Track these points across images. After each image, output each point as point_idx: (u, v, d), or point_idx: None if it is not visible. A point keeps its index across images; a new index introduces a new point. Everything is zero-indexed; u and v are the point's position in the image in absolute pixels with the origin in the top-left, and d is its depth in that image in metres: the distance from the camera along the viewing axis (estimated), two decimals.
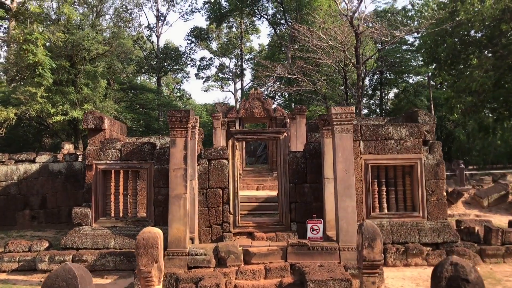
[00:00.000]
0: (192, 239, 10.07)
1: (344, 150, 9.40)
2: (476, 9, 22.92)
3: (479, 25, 23.86)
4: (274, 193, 14.94)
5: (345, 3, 27.07)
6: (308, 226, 9.84)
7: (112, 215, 11.34)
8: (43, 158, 14.56)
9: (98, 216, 11.22)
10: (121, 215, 11.35)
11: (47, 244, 11.18)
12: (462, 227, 11.60)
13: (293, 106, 34.19)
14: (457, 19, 24.30)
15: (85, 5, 29.10)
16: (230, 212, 11.28)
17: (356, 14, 26.39)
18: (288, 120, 20.03)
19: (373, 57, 30.49)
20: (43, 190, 14.38)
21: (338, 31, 25.32)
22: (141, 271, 6.73)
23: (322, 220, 10.12)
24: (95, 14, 30.32)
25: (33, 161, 14.57)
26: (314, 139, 12.28)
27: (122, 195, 11.39)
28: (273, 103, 28.88)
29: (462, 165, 17.29)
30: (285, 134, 11.51)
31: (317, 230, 9.80)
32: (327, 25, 27.10)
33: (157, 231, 6.91)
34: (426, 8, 30.75)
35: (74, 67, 25.41)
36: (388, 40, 25.20)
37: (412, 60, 39.63)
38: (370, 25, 26.43)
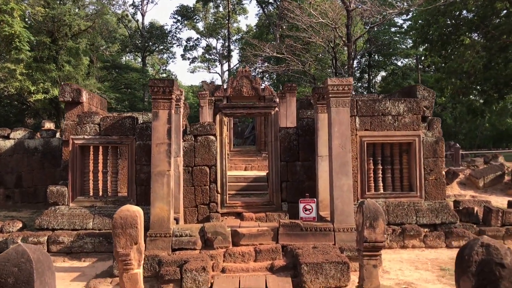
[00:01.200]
0: (176, 220, 9.40)
1: (341, 124, 8.75)
2: None
3: (473, 2, 23.31)
4: (263, 173, 14.33)
5: None
6: (301, 205, 9.23)
7: (91, 194, 10.59)
8: (18, 134, 13.67)
9: (75, 195, 10.46)
10: (100, 194, 10.61)
11: (20, 225, 10.44)
12: (460, 208, 11.10)
13: (281, 88, 33.54)
14: None
15: None
16: (218, 191, 10.61)
17: None
18: (277, 100, 19.32)
19: (362, 38, 29.80)
20: (18, 168, 13.53)
21: (328, 8, 24.53)
22: (118, 254, 6.04)
23: (315, 199, 9.52)
24: None
25: (7, 137, 13.66)
26: (306, 116, 11.61)
27: (102, 173, 10.63)
28: (262, 83, 28.06)
29: (458, 145, 16.81)
30: (276, 109, 10.82)
31: (310, 210, 9.19)
32: (318, 2, 26.27)
33: (136, 209, 6.21)
34: None
35: (55, 44, 24.61)
36: (380, 18, 24.48)
37: (401, 43, 39.11)
38: (362, 3, 25.70)
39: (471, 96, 27.50)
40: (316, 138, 10.18)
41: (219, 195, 10.61)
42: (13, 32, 18.23)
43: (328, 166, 9.22)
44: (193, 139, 10.62)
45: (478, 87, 25.56)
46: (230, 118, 21.71)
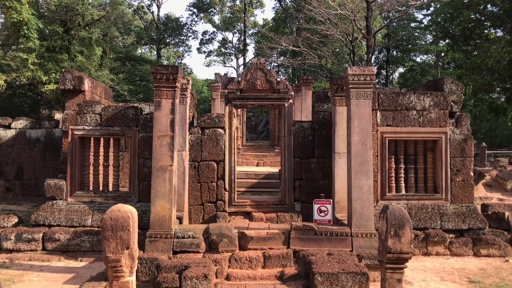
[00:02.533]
0: (180, 219, 8.69)
1: (361, 119, 7.92)
2: None
3: None
4: (275, 170, 13.57)
5: None
6: (315, 206, 8.43)
7: (91, 188, 9.93)
8: (19, 123, 13.06)
9: (74, 189, 9.81)
10: (100, 188, 9.94)
11: (16, 220, 9.84)
12: (489, 212, 10.19)
13: (296, 82, 32.72)
14: None
15: None
16: (225, 188, 9.87)
17: None
18: (292, 93, 18.51)
19: (380, 33, 28.74)
20: (19, 159, 12.92)
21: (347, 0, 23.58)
22: (108, 259, 5.34)
23: (331, 200, 8.71)
24: None
25: (8, 127, 13.07)
26: (322, 109, 10.78)
27: (102, 166, 9.96)
28: (277, 76, 27.29)
29: (484, 144, 15.81)
30: (290, 101, 10.03)
31: (326, 212, 8.40)
32: None
33: (129, 209, 5.49)
34: None
35: (68, 33, 24.21)
36: (401, 10, 23.42)
37: (420, 38, 37.93)
38: None
39: (493, 94, 26.39)
40: (333, 133, 9.37)
41: (227, 192, 9.87)
42: (21, 19, 17.68)
43: (346, 164, 8.41)
44: (200, 132, 9.88)
45: (501, 85, 24.41)
46: (242, 111, 21.01)
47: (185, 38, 48.51)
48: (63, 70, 10.41)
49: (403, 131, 9.69)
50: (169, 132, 7.92)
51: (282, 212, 9.76)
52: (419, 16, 37.08)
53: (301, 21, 31.08)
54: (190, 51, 79.57)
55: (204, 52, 52.36)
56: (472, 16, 24.36)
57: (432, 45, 35.83)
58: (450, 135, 9.73)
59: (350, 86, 7.92)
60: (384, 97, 9.70)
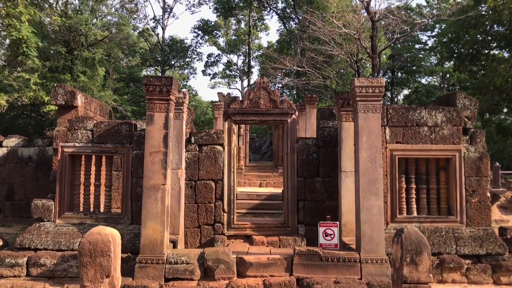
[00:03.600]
0: (174, 243, 8.05)
1: (370, 134, 7.33)
2: None
3: (508, 13, 21.72)
4: (279, 190, 12.92)
5: None
6: (321, 229, 7.78)
7: (81, 209, 9.30)
8: (11, 142, 12.53)
9: (63, 210, 9.19)
10: (91, 209, 9.32)
11: (0, 243, 9.20)
12: (508, 236, 9.42)
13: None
14: (483, 8, 22.28)
15: None
16: (224, 209, 9.23)
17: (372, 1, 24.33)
18: (295, 109, 18.03)
19: (385, 54, 28.44)
20: (10, 178, 12.34)
21: (352, 18, 23.25)
22: None
23: (337, 222, 8.06)
24: None
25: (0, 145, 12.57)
26: (327, 126, 10.19)
27: (94, 186, 9.35)
28: (281, 96, 26.84)
29: (497, 164, 15.11)
30: (293, 116, 9.47)
31: (332, 236, 7.74)
32: (340, 13, 25.02)
33: (110, 232, 4.89)
34: None
35: (71, 54, 24.15)
36: (407, 29, 23.01)
37: (425, 60, 37.65)
38: (387, 14, 24.39)
39: (500, 115, 25.83)
40: (339, 150, 8.78)
41: (225, 214, 9.23)
42: (20, 37, 17.36)
43: (354, 184, 7.79)
44: (197, 149, 9.30)
45: (510, 105, 23.84)
46: (245, 131, 20.48)
47: (190, 60, 48.46)
48: (55, 85, 9.93)
49: (414, 149, 9.06)
50: (162, 148, 7.35)
51: (285, 235, 9.09)
52: (424, 37, 36.89)
53: (306, 42, 30.84)
54: (195, 73, 79.54)
55: (209, 74, 52.36)
56: (479, 36, 24.00)
57: (437, 66, 35.46)
58: (464, 152, 9.09)
59: (357, 99, 7.35)
60: (393, 113, 9.11)
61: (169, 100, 7.39)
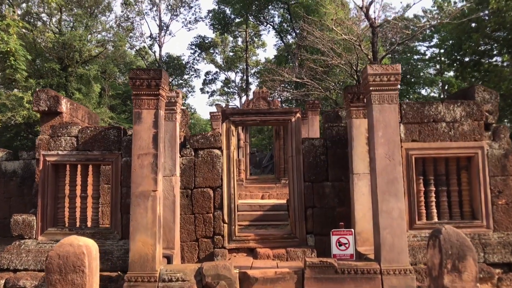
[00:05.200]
0: (169, 258, 7.14)
1: (387, 127, 6.49)
2: None
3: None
4: (282, 201, 12.02)
5: None
6: (334, 238, 6.90)
7: (66, 224, 8.40)
8: None
9: (45, 226, 8.29)
10: (77, 224, 8.41)
11: None
12: None
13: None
14: (486, 11, 21.76)
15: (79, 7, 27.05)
16: (224, 220, 8.33)
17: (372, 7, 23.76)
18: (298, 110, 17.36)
19: (387, 56, 27.86)
20: None
21: (352, 25, 22.70)
22: None
23: (352, 230, 7.17)
24: (89, 15, 28.29)
25: None
26: (335, 125, 9.37)
27: (80, 198, 8.46)
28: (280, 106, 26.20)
29: None
30: (298, 115, 8.63)
31: (347, 245, 6.85)
32: (339, 20, 24.46)
33: (84, 243, 4.02)
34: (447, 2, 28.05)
35: (65, 71, 23.74)
36: (408, 33, 22.40)
37: (424, 71, 37.16)
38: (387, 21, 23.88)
39: (505, 121, 25.17)
40: (350, 150, 7.94)
41: (226, 225, 8.33)
42: (7, 49, 16.66)
43: (370, 185, 6.92)
44: (193, 154, 8.44)
45: None
46: (245, 142, 19.65)
47: (188, 78, 48.00)
48: (37, 90, 9.13)
49: (431, 147, 8.21)
50: (152, 149, 6.50)
51: (293, 247, 8.18)
52: (422, 48, 36.46)
53: (304, 52, 30.22)
54: (194, 91, 79.42)
55: (207, 92, 52.00)
56: (481, 42, 23.45)
57: (437, 76, 34.92)
58: (487, 150, 8.24)
59: (371, 88, 6.54)
60: (408, 108, 8.29)
61: (158, 95, 6.56)
